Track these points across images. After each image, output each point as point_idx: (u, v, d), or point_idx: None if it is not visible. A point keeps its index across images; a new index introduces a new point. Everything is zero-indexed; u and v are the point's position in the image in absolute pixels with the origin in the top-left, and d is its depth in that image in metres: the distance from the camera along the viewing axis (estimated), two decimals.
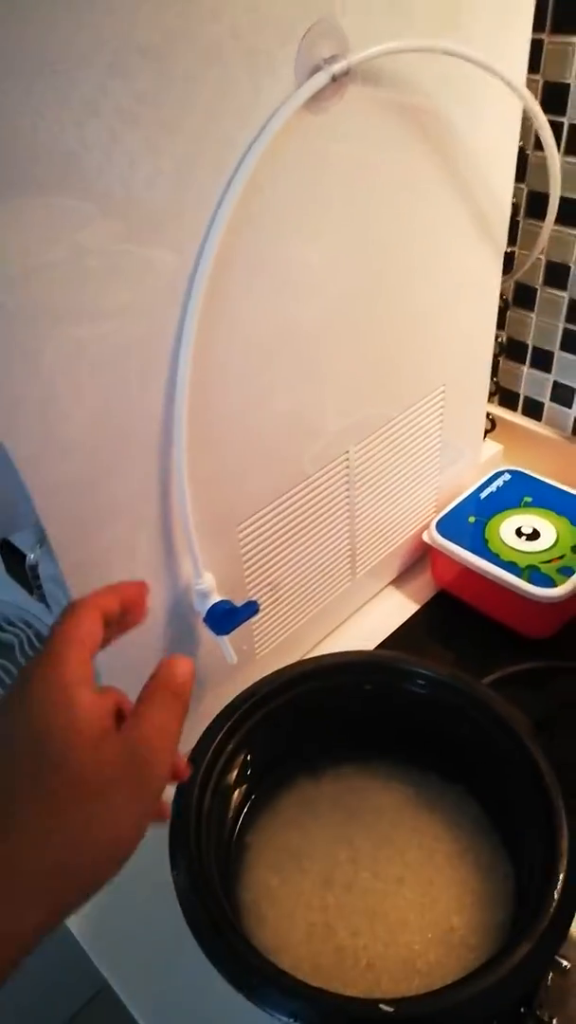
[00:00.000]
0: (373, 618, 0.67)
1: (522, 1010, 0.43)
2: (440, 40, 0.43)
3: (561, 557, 0.62)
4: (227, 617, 0.46)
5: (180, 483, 0.42)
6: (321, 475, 0.54)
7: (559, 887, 0.39)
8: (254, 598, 0.54)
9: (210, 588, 0.46)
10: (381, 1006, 0.36)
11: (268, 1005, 0.36)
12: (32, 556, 0.43)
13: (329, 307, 0.48)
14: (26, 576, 0.45)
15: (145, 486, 0.42)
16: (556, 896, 0.39)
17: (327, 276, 0.46)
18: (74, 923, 0.50)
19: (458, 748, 0.51)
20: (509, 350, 0.74)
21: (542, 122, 0.51)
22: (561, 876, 0.40)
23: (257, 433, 0.48)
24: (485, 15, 0.46)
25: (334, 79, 0.38)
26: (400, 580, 0.70)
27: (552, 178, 0.56)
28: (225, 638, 0.49)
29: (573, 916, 0.39)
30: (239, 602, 0.48)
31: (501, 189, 0.56)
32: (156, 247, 0.36)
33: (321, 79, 0.37)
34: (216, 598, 0.46)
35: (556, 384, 0.73)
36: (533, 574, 0.60)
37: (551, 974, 0.44)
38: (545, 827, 0.43)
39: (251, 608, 0.47)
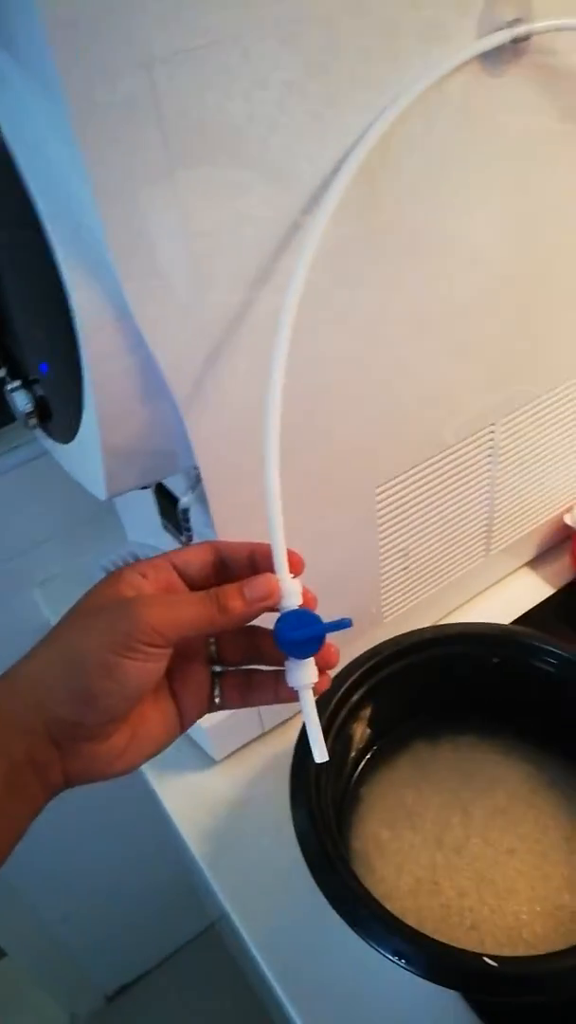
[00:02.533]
0: (504, 597, 0.67)
1: None
2: None
3: None
4: (300, 628, 0.33)
5: (270, 479, 0.34)
6: (463, 447, 0.54)
7: None
8: (385, 564, 0.56)
9: (289, 590, 0.33)
10: (485, 959, 0.37)
11: (375, 940, 0.38)
12: (185, 499, 0.47)
13: (479, 284, 0.47)
14: (178, 519, 0.48)
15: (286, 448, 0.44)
16: None
17: (486, 248, 0.46)
18: (200, 851, 0.54)
19: None
20: None
21: None
22: None
23: (404, 400, 0.48)
24: None
25: (514, 42, 0.37)
26: (537, 561, 0.69)
27: None
28: (304, 683, 0.33)
29: None
30: (378, 576, 0.48)
31: None
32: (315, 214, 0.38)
33: (499, 37, 0.37)
34: (294, 605, 0.33)
35: None
36: None
37: None
38: None
39: (342, 624, 0.33)
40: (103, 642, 0.30)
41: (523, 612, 0.65)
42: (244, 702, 0.37)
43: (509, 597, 0.66)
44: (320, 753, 0.34)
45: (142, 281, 0.34)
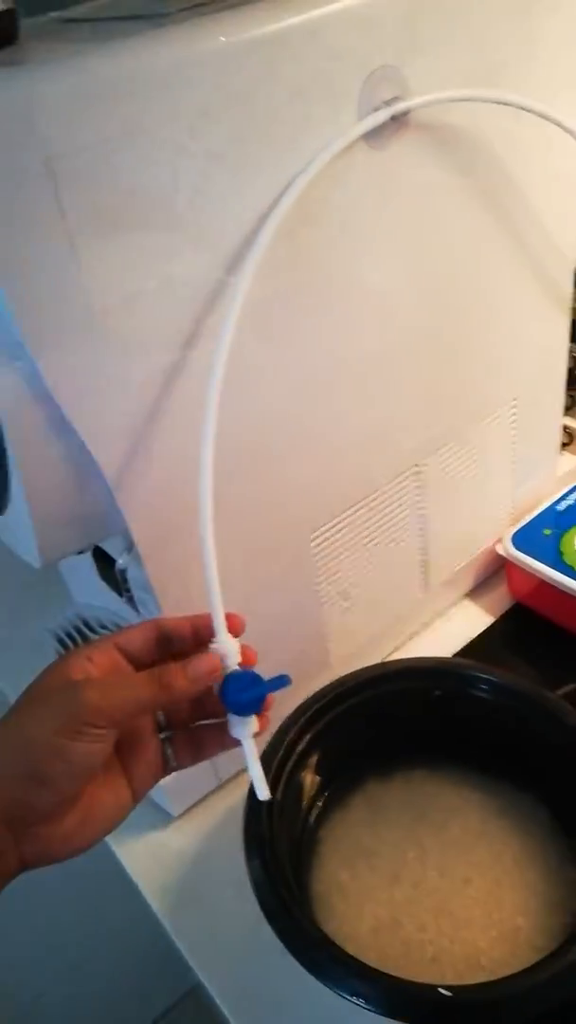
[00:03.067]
0: (447, 629, 0.68)
1: None
2: (501, 91, 0.45)
3: None
4: (245, 691, 0.36)
5: (204, 535, 0.37)
6: (392, 487, 0.57)
7: None
8: (326, 608, 0.57)
9: (228, 651, 0.36)
10: (440, 990, 0.37)
11: (333, 983, 0.38)
12: (121, 561, 0.48)
13: (394, 330, 0.50)
14: (116, 581, 0.49)
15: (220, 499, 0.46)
16: None
17: (392, 301, 0.49)
18: (162, 909, 0.54)
19: (527, 755, 0.52)
20: None
21: None
22: None
23: (328, 449, 0.51)
24: (547, 70, 0.48)
25: (393, 119, 0.41)
26: (475, 592, 0.71)
27: None
28: (247, 734, 0.36)
29: None
30: (319, 616, 0.50)
31: (565, 220, 0.57)
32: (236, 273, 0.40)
33: (379, 116, 0.40)
34: (235, 665, 0.36)
35: None
36: None
37: None
38: None
39: (280, 681, 0.36)
40: (51, 726, 0.32)
41: (466, 643, 0.67)
42: (196, 759, 0.39)
43: (452, 629, 0.68)
44: (263, 791, 0.37)
45: (57, 357, 0.36)
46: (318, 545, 0.54)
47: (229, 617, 0.36)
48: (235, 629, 0.36)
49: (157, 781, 0.38)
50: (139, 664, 0.37)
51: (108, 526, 0.44)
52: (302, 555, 0.53)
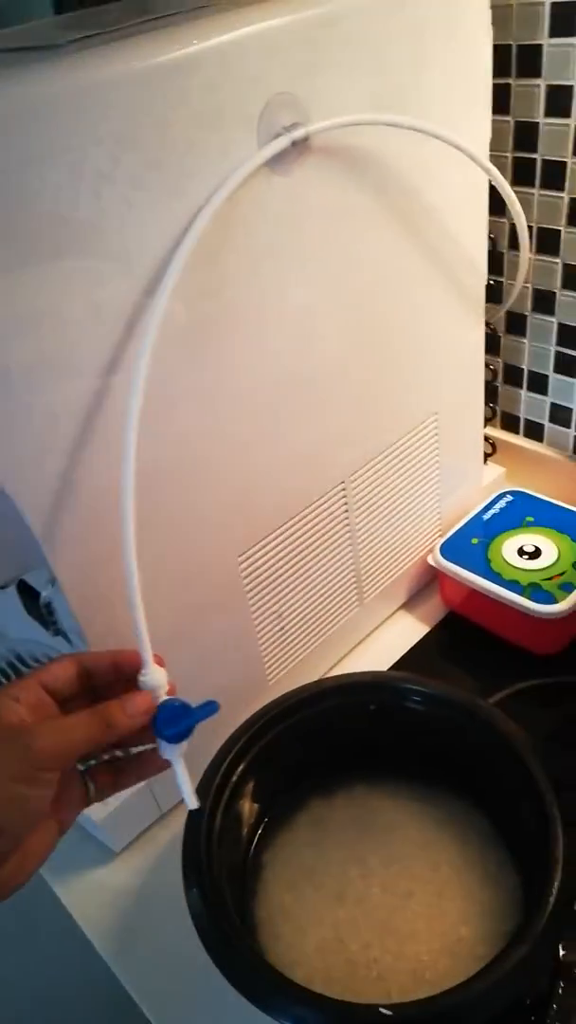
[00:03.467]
0: (384, 642, 0.69)
1: (532, 1019, 0.44)
2: (394, 115, 0.46)
3: (562, 574, 0.63)
4: (175, 721, 0.37)
5: (126, 546, 0.37)
6: (319, 505, 0.57)
7: (554, 891, 0.41)
8: (260, 629, 0.57)
9: (157, 683, 0.37)
10: (381, 1010, 0.37)
11: (275, 1012, 0.38)
12: (45, 594, 0.47)
13: (314, 350, 0.51)
14: (41, 613, 0.48)
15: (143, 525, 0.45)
16: (551, 900, 0.40)
17: (312, 322, 0.50)
18: (105, 948, 0.53)
19: (463, 763, 0.52)
20: (506, 375, 0.76)
21: (507, 193, 0.54)
22: (556, 881, 0.41)
23: (252, 470, 0.51)
24: (444, 93, 0.50)
25: (293, 144, 0.41)
26: (410, 604, 0.72)
27: (518, 223, 0.59)
28: (177, 759, 0.38)
29: (568, 919, 0.40)
30: (257, 641, 0.50)
31: (473, 234, 0.59)
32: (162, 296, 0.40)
33: (280, 143, 0.41)
34: (164, 695, 0.37)
35: (554, 406, 0.75)
36: (535, 592, 0.62)
37: (561, 983, 0.45)
38: (544, 836, 0.44)
39: (208, 709, 0.38)
40: (6, 774, 0.31)
41: (403, 653, 0.68)
42: (116, 788, 0.40)
43: (389, 642, 0.69)
44: (192, 801, 0.38)
45: None
46: (247, 568, 0.54)
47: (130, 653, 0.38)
48: (157, 662, 0.37)
49: (80, 812, 0.39)
50: (61, 700, 0.37)
51: (28, 559, 0.44)
52: (231, 579, 0.53)
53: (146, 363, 0.37)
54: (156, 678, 0.37)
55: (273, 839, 0.53)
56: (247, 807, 0.52)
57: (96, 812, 0.54)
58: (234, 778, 0.50)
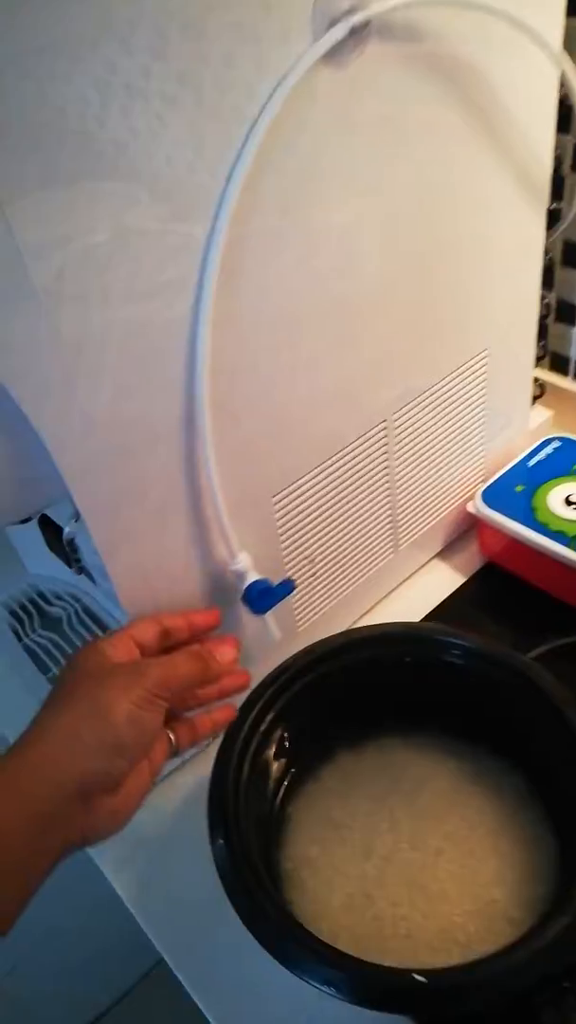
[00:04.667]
0: (418, 591, 0.66)
1: (566, 985, 0.42)
2: None
3: None
4: (263, 597, 0.46)
5: (207, 464, 0.42)
6: (358, 445, 0.53)
7: None
8: (291, 573, 0.54)
9: (246, 568, 0.46)
10: (414, 976, 0.35)
11: (303, 971, 0.36)
12: (68, 529, 0.44)
13: (361, 273, 0.47)
14: (65, 550, 0.45)
15: (172, 464, 0.42)
16: None
17: (358, 241, 0.45)
18: (128, 894, 0.52)
19: (501, 720, 0.50)
20: (559, 312, 0.71)
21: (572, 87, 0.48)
22: None
23: (289, 404, 0.47)
24: None
25: (352, 32, 0.36)
26: (446, 552, 0.69)
27: None
28: (267, 616, 0.48)
29: None
30: (277, 578, 0.48)
31: (541, 142, 0.53)
32: (195, 223, 0.36)
33: (339, 32, 0.36)
34: (252, 577, 0.46)
35: None
36: None
37: None
38: None
39: (287, 587, 0.47)
40: (128, 698, 0.36)
41: (437, 604, 0.65)
42: (193, 741, 0.44)
43: (422, 591, 0.66)
44: (275, 632, 0.49)
45: None
46: (281, 508, 0.50)
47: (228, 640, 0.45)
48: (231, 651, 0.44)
49: (167, 761, 0.43)
50: (146, 654, 0.42)
51: (50, 491, 0.41)
52: (264, 518, 0.50)
53: (214, 285, 0.36)
54: (246, 563, 0.46)
55: (300, 791, 0.51)
56: (274, 758, 0.50)
57: None
58: (262, 728, 0.48)
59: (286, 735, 0.50)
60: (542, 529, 0.60)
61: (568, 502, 0.62)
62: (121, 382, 0.38)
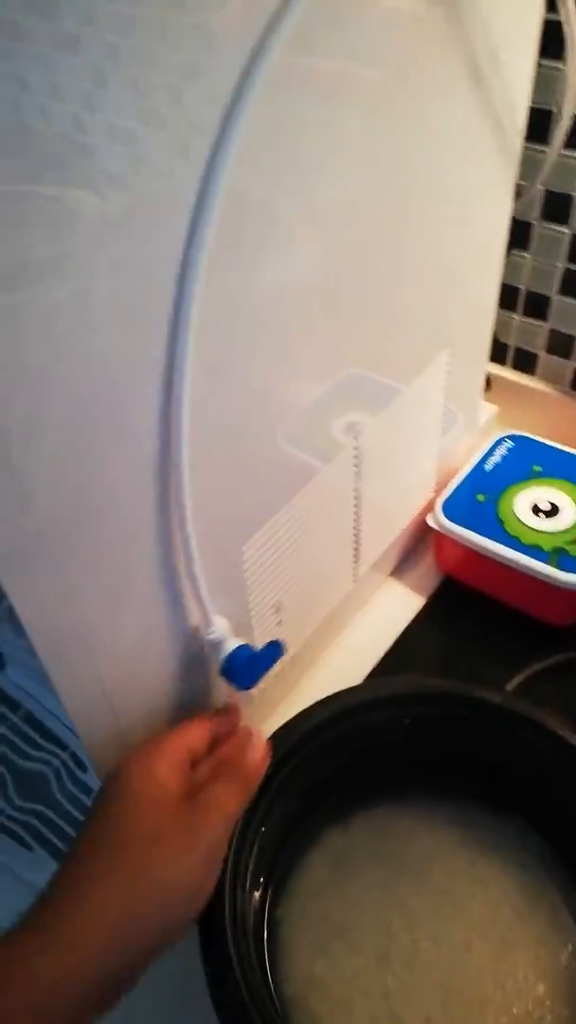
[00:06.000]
0: (377, 618, 0.59)
1: None
2: None
3: None
4: (249, 668, 0.37)
5: (182, 519, 0.32)
6: (331, 466, 0.45)
7: None
8: (257, 629, 0.45)
9: (223, 635, 0.37)
10: None
11: None
12: None
13: (326, 265, 0.37)
14: None
15: (136, 524, 0.32)
16: None
17: (334, 222, 0.36)
18: None
19: (502, 770, 0.44)
20: (500, 297, 0.65)
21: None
22: None
23: (263, 431, 0.37)
24: None
25: None
26: (399, 570, 0.62)
27: (571, 87, 0.47)
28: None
29: None
30: (242, 639, 0.38)
31: (515, 99, 0.46)
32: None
33: None
34: (232, 645, 0.37)
35: (553, 332, 0.65)
36: (562, 558, 0.53)
37: None
38: None
39: (274, 651, 0.38)
40: (188, 867, 0.31)
41: (400, 631, 0.58)
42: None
43: (382, 618, 0.59)
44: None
45: None
46: (250, 557, 0.41)
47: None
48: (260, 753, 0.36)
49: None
50: (195, 765, 0.35)
51: None
52: (232, 572, 0.40)
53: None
54: (223, 629, 0.37)
55: (286, 887, 0.43)
56: (256, 845, 0.41)
57: None
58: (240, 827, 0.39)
59: (262, 828, 0.41)
60: (514, 544, 0.55)
61: (536, 510, 0.57)
62: (76, 436, 0.27)
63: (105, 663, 0.34)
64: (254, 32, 0.27)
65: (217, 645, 0.37)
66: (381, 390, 0.47)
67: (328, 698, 0.43)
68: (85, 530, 0.29)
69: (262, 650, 0.38)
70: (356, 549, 0.53)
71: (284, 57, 0.27)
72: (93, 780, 0.44)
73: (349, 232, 0.37)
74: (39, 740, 0.44)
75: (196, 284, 0.28)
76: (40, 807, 0.43)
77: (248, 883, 0.39)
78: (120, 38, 0.23)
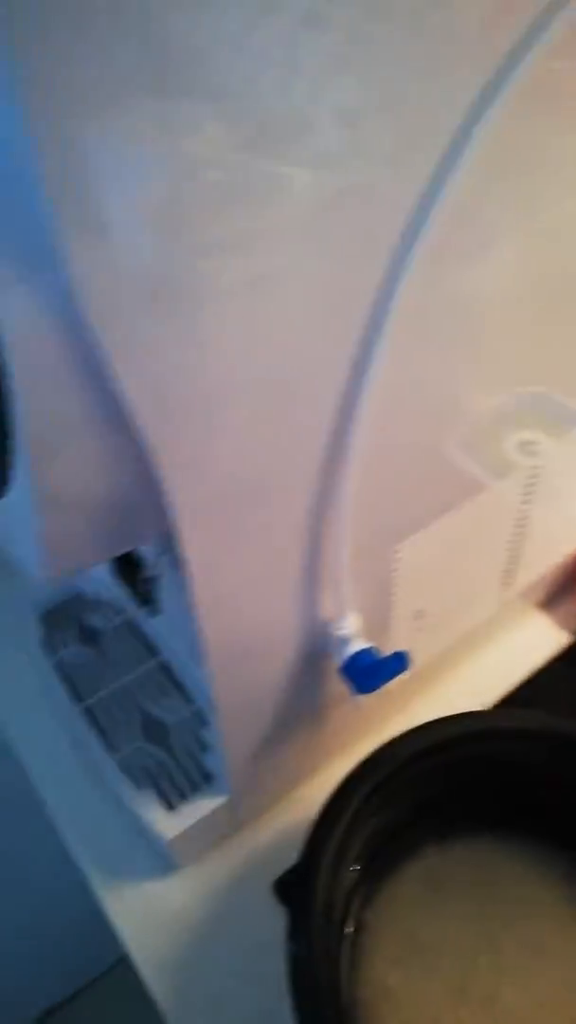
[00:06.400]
0: (515, 646, 0.57)
1: None
2: None
3: None
4: (370, 675, 0.36)
5: (340, 510, 0.33)
6: (503, 482, 0.43)
7: None
8: (395, 634, 0.45)
9: (352, 633, 0.37)
10: None
11: None
12: (152, 567, 0.34)
13: (534, 280, 0.36)
14: (140, 590, 0.36)
15: (299, 509, 0.33)
16: None
17: (537, 243, 0.35)
18: (157, 987, 0.43)
19: None
20: None
21: None
22: None
23: (439, 434, 0.37)
24: None
25: None
26: (547, 602, 0.60)
27: None
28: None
29: None
30: (375, 642, 0.38)
31: None
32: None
33: None
34: (358, 646, 0.37)
35: None
36: None
37: None
38: None
39: (399, 662, 0.37)
40: None
41: (539, 665, 0.56)
42: None
43: (521, 646, 0.57)
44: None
45: (93, 254, 0.22)
46: (402, 557, 0.41)
47: None
48: None
49: None
50: None
51: (145, 522, 0.31)
52: (379, 572, 0.40)
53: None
54: (354, 627, 0.37)
55: (379, 891, 0.43)
56: (360, 842, 0.41)
57: (168, 827, 0.43)
58: (352, 808, 0.39)
59: (377, 820, 0.41)
60: None
61: None
62: (257, 404, 0.28)
63: (244, 627, 0.35)
64: (511, 36, 0.26)
65: (344, 642, 0.36)
66: (568, 414, 0.45)
67: (469, 714, 0.42)
68: (253, 499, 0.30)
69: (386, 658, 0.37)
70: (510, 571, 0.51)
71: (542, 63, 0.27)
72: (213, 735, 0.45)
73: (562, 250, 0.36)
74: (170, 688, 0.46)
75: (406, 275, 0.28)
76: (161, 752, 0.45)
77: (347, 868, 0.39)
78: (371, 24, 0.23)
